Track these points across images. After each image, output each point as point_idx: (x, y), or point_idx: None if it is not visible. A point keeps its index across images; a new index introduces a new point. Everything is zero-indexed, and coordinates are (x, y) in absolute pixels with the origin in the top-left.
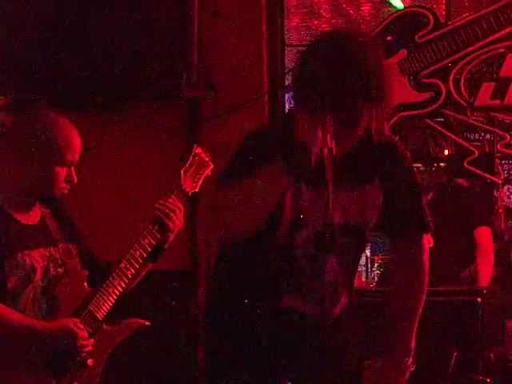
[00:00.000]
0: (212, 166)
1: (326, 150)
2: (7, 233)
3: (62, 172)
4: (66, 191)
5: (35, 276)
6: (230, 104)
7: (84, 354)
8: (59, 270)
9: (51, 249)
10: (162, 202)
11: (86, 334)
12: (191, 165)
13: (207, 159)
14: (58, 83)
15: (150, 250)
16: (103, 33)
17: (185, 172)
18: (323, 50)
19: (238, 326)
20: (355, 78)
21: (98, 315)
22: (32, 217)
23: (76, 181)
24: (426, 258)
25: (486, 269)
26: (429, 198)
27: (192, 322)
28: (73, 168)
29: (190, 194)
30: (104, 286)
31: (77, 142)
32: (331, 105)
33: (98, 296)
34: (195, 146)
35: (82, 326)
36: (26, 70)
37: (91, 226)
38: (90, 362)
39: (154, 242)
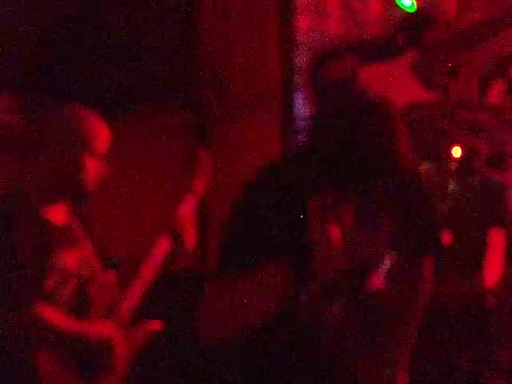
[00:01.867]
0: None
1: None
2: (43, 234)
3: (90, 163)
4: (96, 186)
5: (71, 277)
6: (240, 105)
7: (114, 358)
8: (88, 270)
9: (80, 249)
10: (174, 214)
11: (119, 337)
12: (198, 168)
13: (209, 162)
14: (65, 83)
15: (167, 253)
16: (111, 33)
17: (194, 175)
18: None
19: None
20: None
21: (126, 318)
22: (61, 216)
23: (105, 175)
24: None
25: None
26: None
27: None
28: (100, 162)
29: (199, 196)
30: (130, 289)
31: (104, 132)
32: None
33: (125, 299)
34: (200, 148)
35: (115, 332)
36: (31, 70)
37: (99, 227)
38: (119, 366)
39: (171, 247)
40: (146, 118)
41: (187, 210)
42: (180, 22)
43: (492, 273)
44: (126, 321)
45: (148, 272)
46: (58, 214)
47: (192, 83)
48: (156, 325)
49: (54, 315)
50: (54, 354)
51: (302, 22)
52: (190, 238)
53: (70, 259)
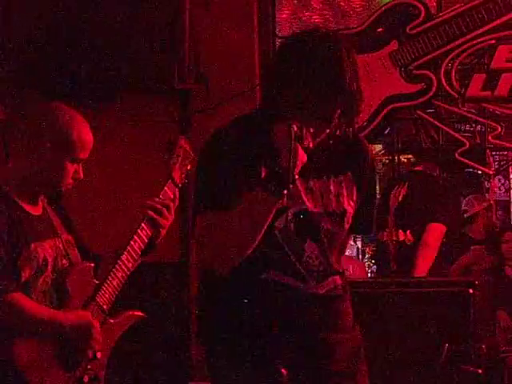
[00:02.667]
0: (194, 157)
1: (302, 160)
2: (21, 223)
3: (71, 168)
4: (70, 186)
5: (47, 268)
6: (222, 96)
7: (96, 347)
8: (64, 261)
9: (56, 240)
10: (152, 200)
11: (99, 326)
12: (178, 156)
13: (190, 151)
14: (51, 75)
15: (147, 242)
16: (94, 25)
17: (173, 163)
18: (305, 47)
19: (230, 306)
20: (334, 81)
21: (104, 307)
22: (37, 207)
23: (82, 177)
24: None
25: (423, 264)
26: (404, 192)
27: (184, 314)
28: (81, 164)
29: (179, 184)
30: (109, 278)
31: (90, 139)
32: (308, 104)
33: (103, 288)
34: (180, 137)
35: (96, 320)
36: (17, 63)
37: (81, 218)
38: (98, 354)
39: (150, 234)
40: (128, 109)
41: (167, 197)
42: (162, 15)
43: (420, 267)
44: (105, 309)
45: (128, 260)
46: (35, 206)
47: (174, 76)
48: (136, 314)
49: (28, 303)
50: (31, 342)
51: (283, 14)
52: (166, 224)
53: (46, 249)
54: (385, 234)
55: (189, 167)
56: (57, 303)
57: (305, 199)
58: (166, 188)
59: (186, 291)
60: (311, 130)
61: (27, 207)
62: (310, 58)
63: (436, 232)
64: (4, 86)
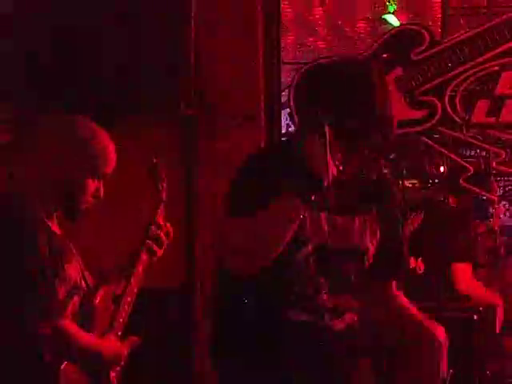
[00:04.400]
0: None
1: (333, 173)
2: (54, 243)
3: (92, 184)
4: (90, 206)
5: (75, 290)
6: (227, 122)
7: (114, 373)
8: (83, 283)
9: (76, 260)
10: (157, 226)
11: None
12: (162, 179)
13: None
14: (53, 99)
15: (147, 265)
16: (101, 48)
17: (162, 186)
18: (337, 73)
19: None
20: (367, 105)
21: (119, 334)
22: (57, 227)
23: (102, 196)
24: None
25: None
26: (419, 220)
27: (187, 339)
28: (102, 182)
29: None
30: (122, 302)
31: (113, 155)
32: (339, 129)
33: (118, 313)
34: (154, 159)
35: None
36: (20, 82)
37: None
38: (113, 379)
39: (150, 258)
40: (133, 134)
41: (162, 219)
42: (168, 39)
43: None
44: (119, 336)
45: (136, 285)
46: (55, 225)
47: (179, 100)
48: (132, 339)
49: (77, 331)
50: (74, 368)
51: (288, 39)
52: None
53: (73, 270)
54: None
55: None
56: (81, 327)
57: (327, 234)
58: (158, 211)
59: (189, 316)
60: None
61: (52, 226)
62: (349, 84)
63: (464, 273)
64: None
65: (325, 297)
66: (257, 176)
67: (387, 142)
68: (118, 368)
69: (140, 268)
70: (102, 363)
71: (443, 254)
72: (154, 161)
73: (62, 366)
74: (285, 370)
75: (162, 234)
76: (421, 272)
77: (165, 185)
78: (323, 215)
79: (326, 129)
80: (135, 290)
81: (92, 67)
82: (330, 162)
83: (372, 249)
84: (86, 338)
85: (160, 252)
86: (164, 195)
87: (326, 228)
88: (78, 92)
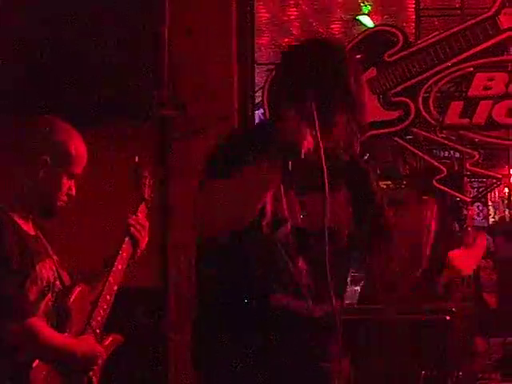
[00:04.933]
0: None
1: (308, 145)
2: (25, 243)
3: (66, 183)
4: (64, 204)
5: (49, 289)
6: (201, 122)
7: (92, 372)
8: (57, 282)
9: (49, 260)
10: (134, 218)
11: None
12: (145, 176)
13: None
14: (34, 100)
15: (128, 263)
16: (75, 50)
17: (143, 184)
18: (312, 52)
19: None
20: (341, 83)
21: (97, 331)
22: (30, 227)
23: (74, 194)
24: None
25: None
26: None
27: (162, 340)
28: (73, 181)
29: (149, 204)
30: (99, 300)
31: (85, 155)
32: (316, 106)
33: (96, 311)
34: (136, 157)
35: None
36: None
37: (61, 239)
38: (95, 379)
39: (130, 254)
40: (108, 136)
41: (142, 217)
42: (142, 40)
43: None
44: (98, 334)
45: (114, 282)
46: (28, 225)
47: (154, 103)
48: (118, 338)
49: (47, 330)
50: (46, 368)
51: (263, 40)
52: (143, 244)
53: (47, 270)
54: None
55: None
56: (56, 327)
57: (299, 215)
58: (140, 209)
59: (163, 317)
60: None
61: (24, 226)
62: (318, 64)
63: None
64: None
65: (306, 279)
66: (234, 149)
67: (361, 124)
68: (95, 367)
69: (119, 266)
70: (76, 362)
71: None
72: (136, 159)
73: (34, 364)
74: (269, 356)
75: (142, 230)
76: None
77: (147, 182)
78: (295, 198)
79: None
80: (114, 288)
81: (66, 68)
82: (307, 134)
83: (345, 228)
84: (57, 336)
85: (142, 243)
86: (146, 193)
87: (299, 211)
88: (51, 92)
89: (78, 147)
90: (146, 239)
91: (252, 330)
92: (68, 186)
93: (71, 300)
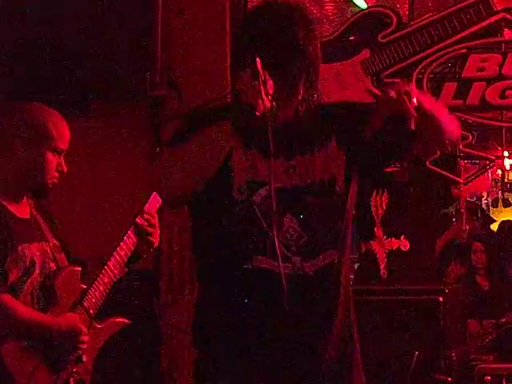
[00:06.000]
0: None
1: (266, 108)
2: (7, 225)
3: (53, 160)
4: (57, 181)
5: (35, 270)
6: (194, 102)
7: (81, 350)
8: (52, 264)
9: (44, 243)
10: (147, 213)
11: (86, 330)
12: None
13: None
14: (22, 82)
15: (133, 249)
16: (67, 31)
17: (157, 175)
18: (265, 13)
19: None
20: (295, 39)
21: (91, 312)
22: (24, 210)
23: (66, 170)
24: None
25: None
26: (386, 200)
27: (154, 321)
28: (62, 157)
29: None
30: (95, 283)
31: (66, 130)
32: (271, 62)
33: (90, 293)
34: (163, 148)
35: (84, 326)
36: None
37: (62, 224)
38: (84, 358)
39: (136, 242)
40: (101, 116)
41: (152, 207)
42: (135, 22)
43: None
44: (91, 314)
45: (114, 267)
46: (21, 209)
47: (147, 83)
48: (122, 320)
49: (17, 305)
50: (19, 344)
51: None
52: (156, 236)
53: (33, 252)
54: (374, 243)
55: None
56: (44, 306)
57: (286, 177)
58: (151, 198)
59: (155, 298)
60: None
61: (13, 209)
62: (266, 26)
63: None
64: None
65: (284, 235)
66: (196, 115)
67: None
68: (84, 346)
69: (122, 252)
70: (53, 339)
71: (427, 230)
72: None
73: (7, 344)
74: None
75: (151, 219)
76: (406, 250)
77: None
78: (280, 160)
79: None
80: (115, 272)
81: (60, 51)
82: (263, 93)
83: (340, 175)
84: (29, 313)
85: (152, 232)
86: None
87: (284, 172)
88: (45, 78)
89: (55, 123)
90: (157, 228)
91: (238, 296)
92: (56, 162)
93: (58, 280)
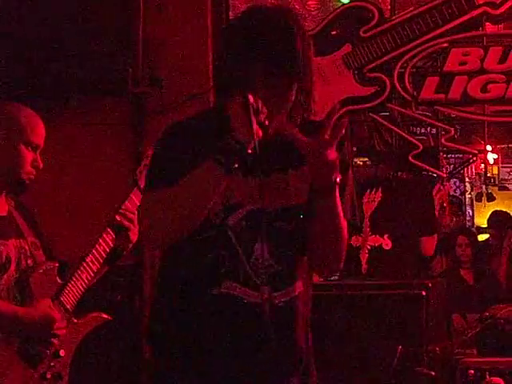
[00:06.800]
0: None
1: (258, 135)
2: None
3: (27, 154)
4: (33, 177)
5: (10, 266)
6: (176, 98)
7: (57, 343)
8: (29, 261)
9: (21, 240)
10: (124, 208)
11: (62, 323)
12: (145, 165)
13: None
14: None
15: (112, 246)
16: (49, 27)
17: (140, 172)
18: (251, 22)
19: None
20: (287, 51)
21: (68, 307)
22: (1, 208)
23: (42, 166)
24: None
25: None
26: (378, 197)
27: (136, 316)
28: (38, 153)
29: None
30: (73, 278)
31: (40, 125)
32: (262, 78)
33: (67, 288)
34: (149, 148)
35: (58, 314)
36: None
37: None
38: (62, 352)
39: (115, 238)
40: (83, 112)
41: (132, 204)
42: (116, 17)
43: None
44: (69, 309)
45: (92, 263)
46: None
47: (128, 79)
48: (102, 316)
49: None
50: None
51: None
52: (134, 231)
53: (8, 248)
54: (360, 238)
55: None
56: (19, 302)
57: (260, 196)
58: (132, 195)
59: (138, 293)
60: (267, 109)
61: None
62: (260, 32)
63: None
64: None
65: (254, 262)
66: (180, 143)
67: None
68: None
69: (100, 248)
70: (27, 328)
71: (410, 229)
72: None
73: None
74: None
75: (130, 215)
76: (388, 248)
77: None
78: (253, 180)
79: (248, 94)
80: (93, 268)
81: (44, 48)
82: (254, 124)
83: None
84: (1, 305)
85: (130, 227)
86: (141, 183)
87: (258, 190)
88: (28, 75)
89: (28, 116)
90: (136, 235)
91: (202, 322)
92: (32, 157)
93: (34, 275)
